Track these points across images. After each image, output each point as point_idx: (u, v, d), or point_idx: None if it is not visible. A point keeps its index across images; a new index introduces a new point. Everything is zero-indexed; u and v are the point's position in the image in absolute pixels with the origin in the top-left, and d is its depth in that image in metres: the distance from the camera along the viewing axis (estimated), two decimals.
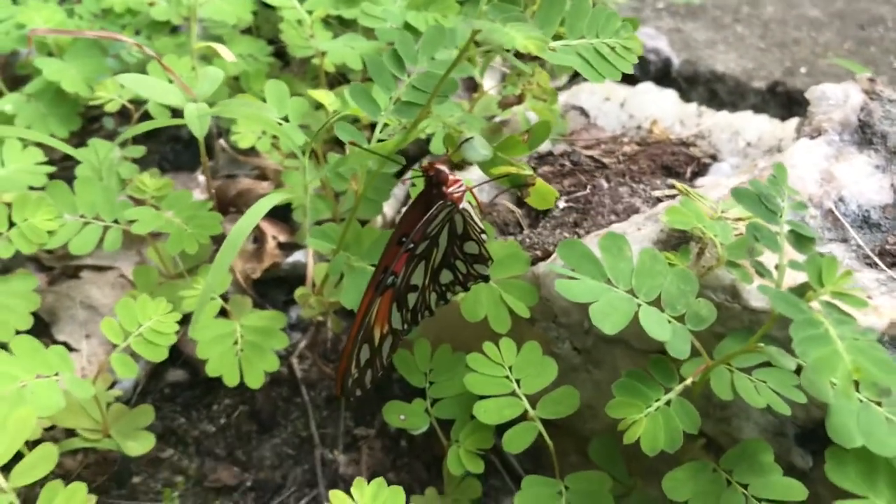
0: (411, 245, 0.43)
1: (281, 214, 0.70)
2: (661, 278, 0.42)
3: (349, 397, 0.47)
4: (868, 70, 0.87)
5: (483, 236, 0.45)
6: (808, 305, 0.35)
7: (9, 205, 0.58)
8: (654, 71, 0.90)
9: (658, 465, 0.50)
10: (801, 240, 0.40)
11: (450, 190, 0.42)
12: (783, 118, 0.88)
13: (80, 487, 0.42)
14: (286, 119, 0.56)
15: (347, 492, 0.41)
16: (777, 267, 0.39)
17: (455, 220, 0.44)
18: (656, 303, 0.42)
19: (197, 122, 0.50)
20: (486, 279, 0.48)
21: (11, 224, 0.57)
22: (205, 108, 0.51)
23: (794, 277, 0.40)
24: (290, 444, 0.58)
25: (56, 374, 0.47)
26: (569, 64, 0.43)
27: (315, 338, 0.63)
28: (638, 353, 0.50)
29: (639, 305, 0.41)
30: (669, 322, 0.41)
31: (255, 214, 0.47)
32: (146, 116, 0.70)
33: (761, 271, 0.40)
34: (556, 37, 0.44)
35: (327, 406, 0.60)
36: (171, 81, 0.70)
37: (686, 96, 0.88)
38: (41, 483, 0.43)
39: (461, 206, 0.43)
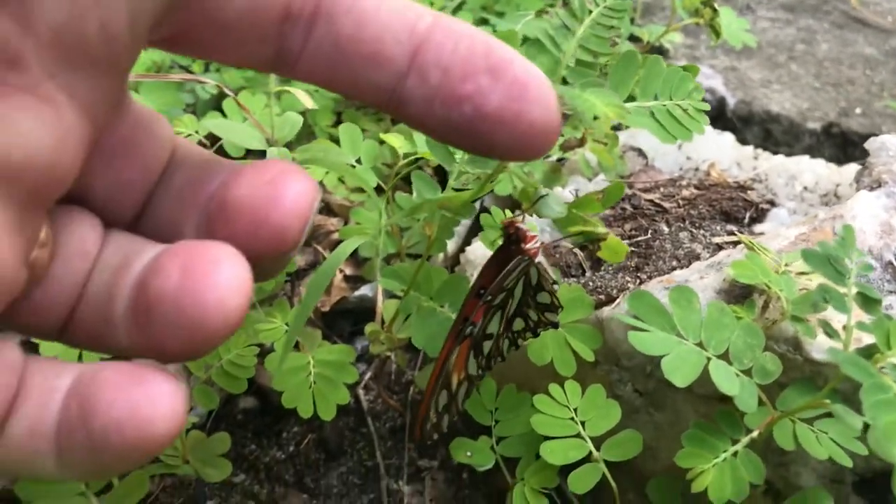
0: (489, 297, 0.45)
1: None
2: (728, 332, 0.44)
3: (427, 441, 0.49)
4: None
5: (555, 287, 0.47)
6: (877, 369, 0.36)
7: None
8: (709, 111, 0.92)
9: None
10: (868, 301, 0.42)
11: (527, 246, 0.44)
12: (838, 160, 0.90)
13: None
14: (359, 161, 0.59)
15: None
16: (845, 328, 0.41)
17: (530, 273, 0.46)
18: (724, 356, 0.43)
19: None
20: (555, 326, 0.50)
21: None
22: (286, 153, 0.54)
23: (860, 337, 0.42)
24: (356, 473, 0.60)
25: None
26: (642, 126, 0.45)
27: (380, 370, 0.65)
28: (698, 397, 0.52)
29: (708, 359, 0.43)
30: (737, 376, 0.43)
31: (338, 258, 0.49)
32: (220, 151, 0.74)
33: (828, 331, 0.42)
34: (630, 97, 0.46)
35: (391, 437, 0.62)
36: (245, 119, 0.74)
37: (741, 136, 0.89)
38: None
39: (536, 260, 0.45)
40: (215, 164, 0.31)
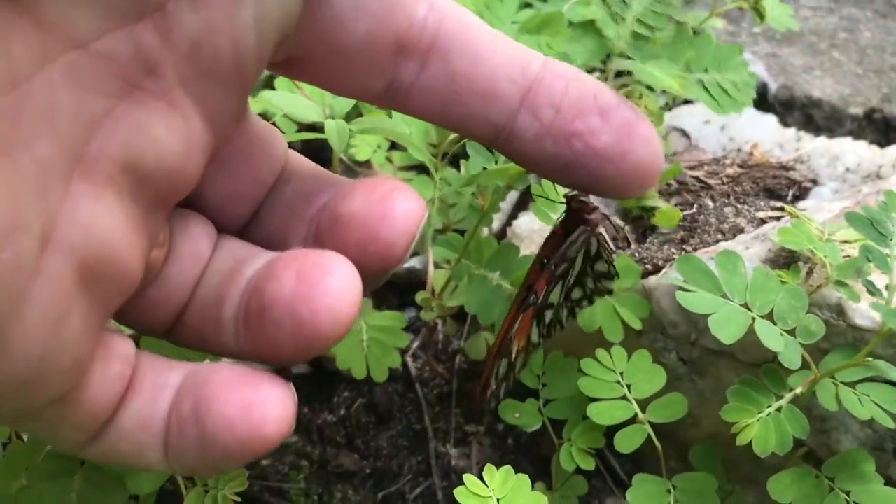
0: (552, 266, 0.47)
1: None
2: (773, 294, 0.45)
3: (487, 408, 0.51)
4: None
5: (613, 256, 0.49)
6: None
7: None
8: None
9: (756, 474, 0.53)
10: None
11: (590, 217, 0.46)
12: (881, 144, 0.90)
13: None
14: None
15: (460, 482, 0.45)
16: (888, 287, 0.42)
17: (591, 243, 0.48)
18: (769, 317, 0.45)
19: (336, 137, 0.55)
20: (610, 293, 0.52)
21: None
22: (343, 125, 0.56)
23: None
24: (405, 437, 0.62)
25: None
26: (696, 97, 0.47)
27: (428, 339, 0.67)
28: (741, 364, 0.53)
29: (753, 319, 0.44)
30: (782, 335, 0.44)
31: None
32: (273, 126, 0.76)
33: (872, 290, 0.43)
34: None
35: (439, 402, 0.64)
36: (296, 93, 0.76)
37: (783, 121, 0.90)
38: None
39: (598, 230, 0.47)
40: (325, 178, 0.32)
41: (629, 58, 0.50)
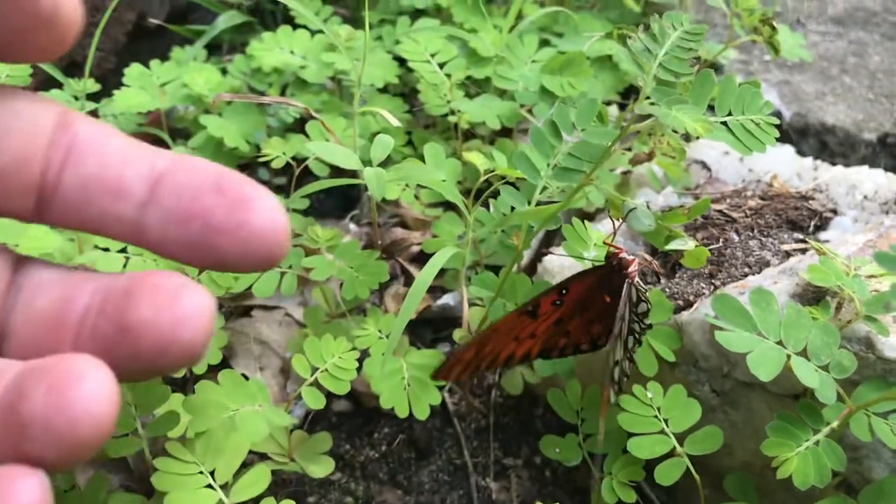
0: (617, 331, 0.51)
1: (427, 259, 0.76)
2: (806, 331, 0.47)
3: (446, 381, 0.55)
4: None
5: (647, 294, 0.52)
6: None
7: None
8: None
9: (790, 502, 0.55)
10: None
11: (630, 270, 0.49)
12: (895, 168, 0.92)
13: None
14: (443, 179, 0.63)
15: None
16: None
17: (632, 293, 0.50)
18: (803, 353, 0.47)
19: (376, 184, 0.57)
20: (650, 327, 0.54)
21: (200, 270, 0.66)
22: (382, 173, 0.58)
23: None
24: (445, 471, 0.64)
25: (259, 405, 0.55)
26: (721, 140, 0.49)
27: None
28: (772, 396, 0.55)
29: (788, 356, 0.46)
30: (816, 371, 0.46)
31: (433, 269, 0.54)
32: (306, 170, 0.78)
33: None
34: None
35: (477, 437, 0.66)
36: (328, 140, 0.78)
37: (797, 148, 0.92)
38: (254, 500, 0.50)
39: (635, 280, 0.50)
40: (74, 279, 0.33)
41: (653, 103, 0.52)
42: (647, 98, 0.50)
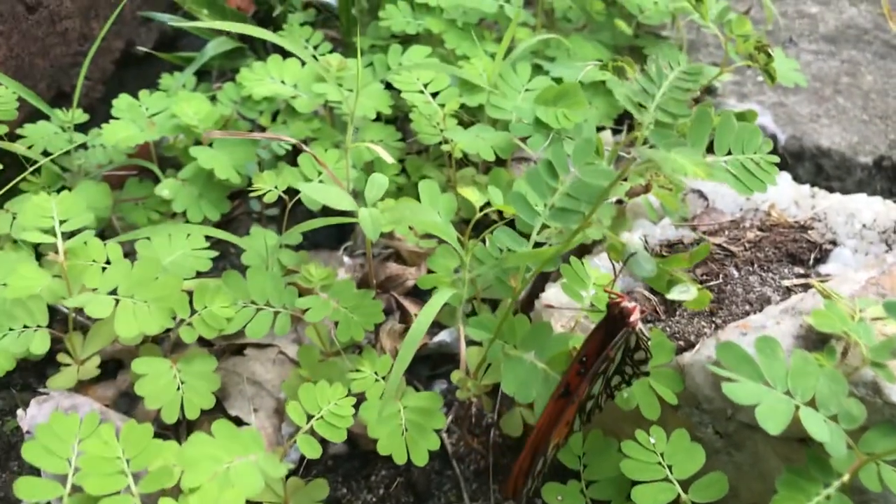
0: (596, 370, 0.49)
1: (422, 293, 0.75)
2: (813, 379, 0.46)
3: (521, 501, 0.53)
4: None
5: (650, 343, 0.50)
6: None
7: (189, 293, 0.65)
8: None
9: None
10: None
11: (632, 319, 0.48)
12: (890, 192, 0.91)
13: None
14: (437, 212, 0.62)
15: None
16: None
17: (630, 340, 0.49)
18: (811, 403, 0.46)
19: (371, 225, 0.56)
20: (647, 374, 0.53)
21: (192, 311, 0.64)
22: (377, 214, 0.57)
23: None
24: None
25: (252, 456, 0.53)
26: (720, 180, 0.48)
27: (464, 414, 0.68)
28: (777, 438, 0.53)
29: (796, 407, 0.45)
30: (825, 422, 0.45)
31: (430, 312, 0.53)
32: (298, 204, 0.77)
33: None
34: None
35: (476, 479, 0.65)
36: (320, 172, 0.77)
37: (793, 173, 0.91)
38: None
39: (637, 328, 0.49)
40: None
41: (653, 145, 0.51)
42: (645, 142, 0.49)
